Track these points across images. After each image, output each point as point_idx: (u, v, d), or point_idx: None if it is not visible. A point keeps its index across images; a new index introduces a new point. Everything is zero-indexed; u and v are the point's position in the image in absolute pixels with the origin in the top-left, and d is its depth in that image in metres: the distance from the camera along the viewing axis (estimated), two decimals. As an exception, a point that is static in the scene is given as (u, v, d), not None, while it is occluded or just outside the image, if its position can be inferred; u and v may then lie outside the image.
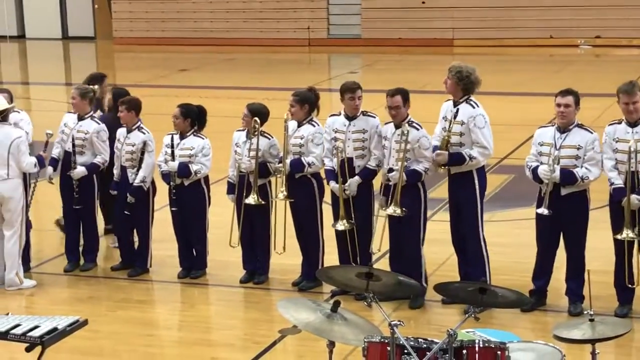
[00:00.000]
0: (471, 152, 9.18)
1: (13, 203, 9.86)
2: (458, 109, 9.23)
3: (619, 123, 8.93)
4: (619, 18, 26.50)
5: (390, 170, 9.31)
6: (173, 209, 10.23)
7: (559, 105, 8.95)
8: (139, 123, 10.36)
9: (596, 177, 8.95)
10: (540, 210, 8.93)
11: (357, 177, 9.57)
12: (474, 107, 9.23)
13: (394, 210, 9.20)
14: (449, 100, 9.42)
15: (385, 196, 9.39)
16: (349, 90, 9.63)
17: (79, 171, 10.35)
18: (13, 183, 9.86)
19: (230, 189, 10.13)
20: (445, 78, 9.32)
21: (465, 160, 9.20)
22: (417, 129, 9.26)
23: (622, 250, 8.87)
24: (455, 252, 9.63)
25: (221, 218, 10.69)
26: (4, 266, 10.04)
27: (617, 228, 8.85)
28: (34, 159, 9.98)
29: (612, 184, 8.87)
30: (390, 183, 9.29)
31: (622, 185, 8.78)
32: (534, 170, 9.03)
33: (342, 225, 9.61)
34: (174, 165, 10.06)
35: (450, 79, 9.25)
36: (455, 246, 9.57)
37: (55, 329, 6.64)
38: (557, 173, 8.85)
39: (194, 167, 10.04)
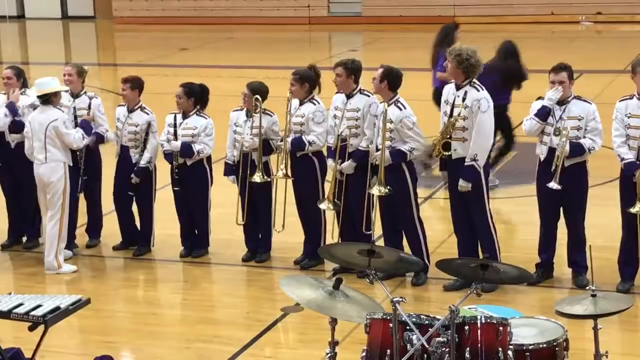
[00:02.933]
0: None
1: (52, 186, 9.84)
2: (466, 92, 9.00)
3: (631, 98, 8.87)
4: (621, -6, 26.41)
5: (378, 149, 9.25)
6: (175, 188, 10.23)
7: (553, 82, 8.94)
8: (141, 103, 10.34)
9: (599, 147, 8.94)
10: (551, 185, 8.84)
11: (350, 161, 9.47)
12: (478, 91, 9.02)
13: (378, 189, 9.17)
14: (451, 82, 9.19)
15: (373, 175, 9.34)
16: (334, 68, 9.61)
17: (86, 140, 10.24)
18: (51, 167, 9.83)
19: (228, 170, 10.10)
20: (446, 61, 9.14)
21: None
22: (400, 109, 9.16)
23: (632, 224, 8.83)
24: (458, 235, 9.44)
25: (223, 197, 10.69)
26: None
27: (627, 203, 8.79)
28: (80, 132, 10.00)
29: (622, 159, 8.80)
30: (376, 162, 9.24)
31: (634, 160, 8.72)
32: (538, 107, 8.92)
33: (325, 205, 9.58)
34: (176, 145, 10.05)
35: (451, 62, 9.00)
36: (460, 228, 9.36)
37: (58, 307, 6.63)
38: (567, 147, 8.80)
39: (196, 147, 10.02)
